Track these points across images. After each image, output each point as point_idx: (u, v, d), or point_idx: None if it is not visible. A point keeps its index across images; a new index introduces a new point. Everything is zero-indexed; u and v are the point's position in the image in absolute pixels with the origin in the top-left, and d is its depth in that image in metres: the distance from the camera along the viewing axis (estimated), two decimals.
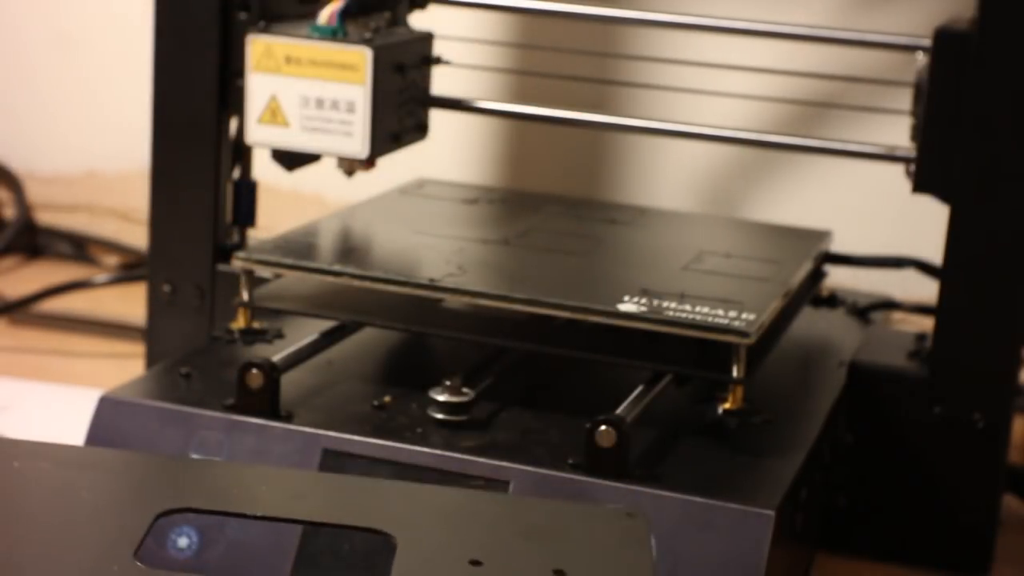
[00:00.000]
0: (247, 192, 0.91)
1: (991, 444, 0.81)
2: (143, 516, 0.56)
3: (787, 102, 1.05)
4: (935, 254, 0.83)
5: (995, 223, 0.79)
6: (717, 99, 0.95)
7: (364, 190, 0.98)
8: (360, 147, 0.84)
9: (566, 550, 0.56)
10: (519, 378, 0.81)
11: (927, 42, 0.80)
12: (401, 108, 0.87)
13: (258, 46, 0.84)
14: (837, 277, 0.98)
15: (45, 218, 1.31)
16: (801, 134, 0.95)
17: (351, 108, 0.83)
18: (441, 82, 0.92)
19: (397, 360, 0.85)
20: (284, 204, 1.18)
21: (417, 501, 0.60)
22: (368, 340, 0.85)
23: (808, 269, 0.88)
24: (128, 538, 0.55)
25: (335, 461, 0.72)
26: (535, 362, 0.82)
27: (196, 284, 0.90)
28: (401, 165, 0.98)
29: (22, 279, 1.21)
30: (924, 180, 0.81)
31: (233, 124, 0.90)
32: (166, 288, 0.90)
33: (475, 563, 0.55)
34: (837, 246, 0.95)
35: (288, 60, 0.84)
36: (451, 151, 1.19)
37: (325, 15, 0.84)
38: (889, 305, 0.97)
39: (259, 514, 0.58)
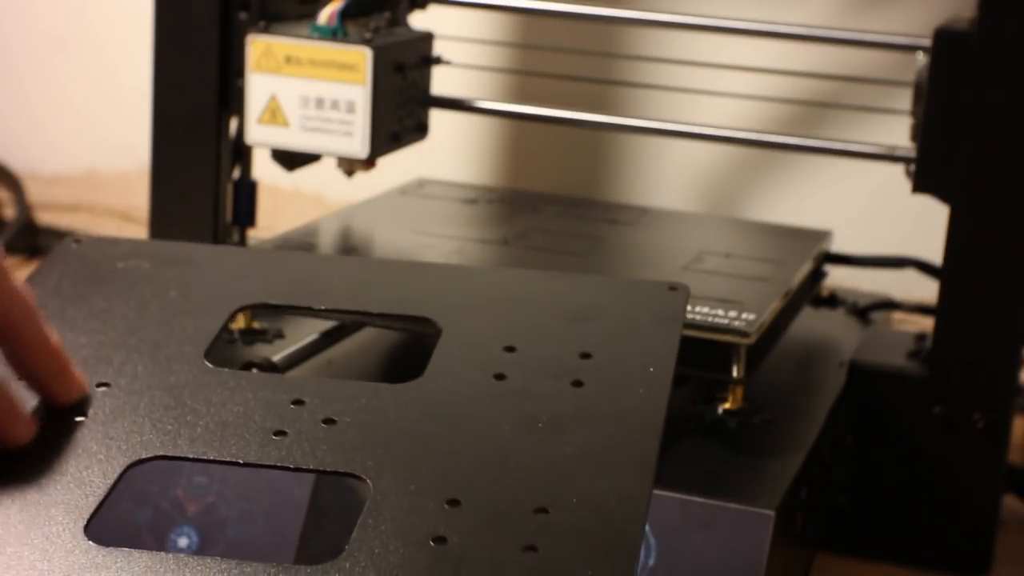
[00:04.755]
0: (247, 192, 0.91)
1: (991, 444, 0.81)
2: (219, 313, 0.62)
3: (787, 102, 1.05)
4: (935, 254, 0.83)
5: (995, 223, 0.79)
6: (717, 99, 0.95)
7: (364, 190, 0.98)
8: (360, 147, 0.84)
9: (598, 331, 0.59)
10: None
11: (927, 42, 0.80)
12: (401, 108, 0.87)
13: (258, 46, 0.84)
14: (837, 277, 0.98)
15: (45, 218, 1.31)
16: (801, 134, 0.95)
17: (351, 108, 0.83)
18: (441, 82, 0.92)
19: (397, 360, 0.85)
20: (284, 204, 1.18)
21: (468, 287, 0.64)
22: (368, 340, 0.85)
23: (808, 269, 0.88)
24: (202, 337, 0.61)
25: None
26: None
27: None
28: (401, 165, 0.98)
29: (22, 279, 1.21)
30: (924, 180, 0.81)
31: (233, 124, 0.90)
32: None
33: (509, 349, 0.59)
34: (837, 246, 0.95)
35: (288, 60, 0.84)
36: (451, 151, 1.19)
37: (325, 15, 0.84)
38: (889, 305, 0.97)
39: (324, 307, 0.65)
